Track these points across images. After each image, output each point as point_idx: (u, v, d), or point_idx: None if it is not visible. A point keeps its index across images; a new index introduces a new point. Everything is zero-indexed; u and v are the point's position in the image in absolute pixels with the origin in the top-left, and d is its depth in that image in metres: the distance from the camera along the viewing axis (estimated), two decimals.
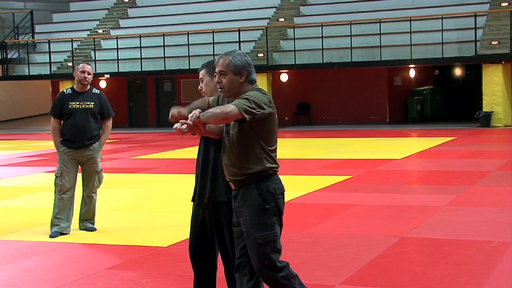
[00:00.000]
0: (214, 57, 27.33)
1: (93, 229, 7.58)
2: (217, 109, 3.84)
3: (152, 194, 10.28)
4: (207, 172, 4.36)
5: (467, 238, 6.74)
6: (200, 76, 4.43)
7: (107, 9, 31.45)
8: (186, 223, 7.93)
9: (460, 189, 9.71)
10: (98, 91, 7.65)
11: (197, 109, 3.90)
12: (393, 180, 10.89)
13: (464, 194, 9.31)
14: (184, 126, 3.84)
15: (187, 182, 11.26)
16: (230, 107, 3.82)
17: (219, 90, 4.08)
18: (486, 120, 21.98)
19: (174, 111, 3.99)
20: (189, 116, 3.86)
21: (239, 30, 25.34)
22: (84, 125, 7.41)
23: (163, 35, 26.54)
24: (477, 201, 8.80)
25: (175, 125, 3.88)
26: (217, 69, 4.06)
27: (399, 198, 9.22)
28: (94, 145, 7.49)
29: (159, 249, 6.70)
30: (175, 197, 9.94)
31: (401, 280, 5.44)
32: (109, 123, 7.64)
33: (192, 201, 4.49)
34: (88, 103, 7.45)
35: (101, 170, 7.65)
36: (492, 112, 21.98)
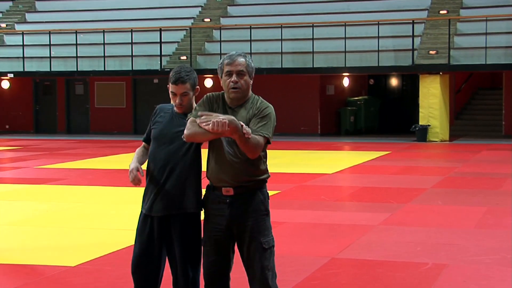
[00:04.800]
0: (132, 58, 27.03)
1: None
2: (260, 140, 4.08)
3: (59, 208, 10.08)
4: (172, 181, 4.38)
5: (401, 260, 6.87)
6: (182, 91, 4.37)
7: (12, 0, 30.78)
8: (97, 241, 7.83)
9: (394, 207, 9.90)
10: None
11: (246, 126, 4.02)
12: (324, 196, 11.01)
13: (398, 213, 9.49)
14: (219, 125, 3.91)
15: (99, 195, 11.10)
16: (261, 139, 4.10)
17: (234, 90, 4.18)
18: (422, 134, 22.51)
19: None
20: (243, 126, 3.97)
21: (160, 30, 25.22)
22: None
23: (76, 32, 26.15)
24: (411, 220, 8.99)
25: (210, 121, 3.92)
26: (233, 68, 4.18)
27: (330, 215, 9.32)
28: None
29: (66, 269, 6.57)
30: (85, 212, 9.77)
31: None
32: None
33: (146, 212, 4.47)
34: None
35: None
36: (429, 125, 22.55)
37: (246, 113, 4.21)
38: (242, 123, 3.99)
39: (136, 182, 4.43)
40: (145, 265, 4.45)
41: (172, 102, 4.47)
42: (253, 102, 4.27)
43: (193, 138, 4.15)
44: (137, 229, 4.53)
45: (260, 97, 4.33)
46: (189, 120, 4.23)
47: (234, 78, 4.18)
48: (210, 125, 3.93)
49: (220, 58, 24.19)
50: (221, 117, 3.94)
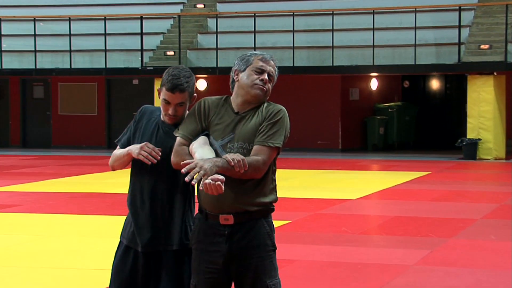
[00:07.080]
0: (105, 54, 26.90)
1: None
2: (259, 159, 4.19)
3: (12, 243, 10.10)
4: (159, 211, 4.44)
5: None
6: (179, 101, 4.40)
7: None
8: (61, 283, 7.83)
9: (434, 243, 9.89)
10: None
11: (238, 155, 4.13)
12: (345, 228, 11.01)
13: (439, 249, 9.49)
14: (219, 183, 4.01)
15: (64, 226, 11.11)
16: (270, 151, 4.23)
17: (260, 86, 4.32)
18: (471, 150, 22.47)
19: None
20: (231, 160, 4.08)
21: (141, 18, 25.27)
22: None
23: (34, 19, 26.19)
24: (456, 259, 8.99)
25: (206, 181, 4.00)
26: (267, 67, 4.39)
27: (353, 252, 9.33)
28: None
29: None
30: (46, 247, 9.78)
31: None
32: None
33: (127, 243, 4.51)
34: None
35: None
36: (479, 139, 22.50)
37: (255, 119, 4.31)
38: (228, 158, 4.07)
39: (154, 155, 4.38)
40: None
41: (162, 110, 4.46)
42: (262, 106, 4.38)
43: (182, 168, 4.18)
44: (113, 264, 4.54)
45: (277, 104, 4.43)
46: (176, 143, 4.26)
47: (265, 76, 4.36)
48: (203, 189, 4.03)
49: (216, 53, 23.98)
50: (206, 166, 4.01)
